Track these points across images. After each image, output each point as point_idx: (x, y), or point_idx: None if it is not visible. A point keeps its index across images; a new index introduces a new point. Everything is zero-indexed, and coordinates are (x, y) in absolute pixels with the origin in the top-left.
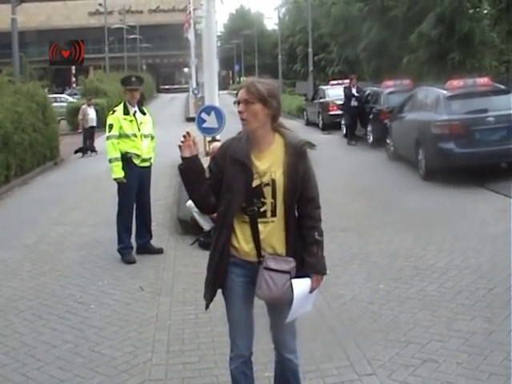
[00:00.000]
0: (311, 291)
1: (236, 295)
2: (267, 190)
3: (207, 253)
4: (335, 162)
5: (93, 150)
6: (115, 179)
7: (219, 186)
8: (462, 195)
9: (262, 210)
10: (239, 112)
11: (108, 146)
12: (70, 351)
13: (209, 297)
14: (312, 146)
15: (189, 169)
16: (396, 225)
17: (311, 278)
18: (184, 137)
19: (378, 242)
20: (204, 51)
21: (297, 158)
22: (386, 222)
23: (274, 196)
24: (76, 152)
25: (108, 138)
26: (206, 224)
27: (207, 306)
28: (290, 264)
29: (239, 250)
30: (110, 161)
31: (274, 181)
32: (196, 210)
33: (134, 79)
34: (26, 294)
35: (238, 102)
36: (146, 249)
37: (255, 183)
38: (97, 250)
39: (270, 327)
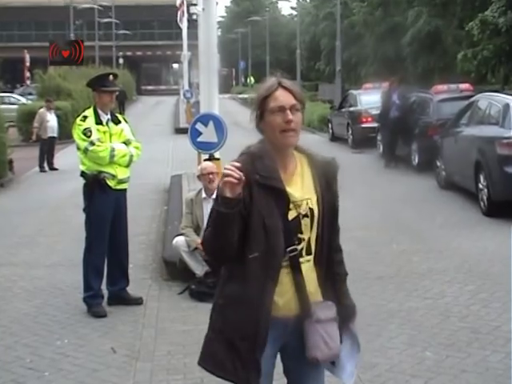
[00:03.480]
0: None
1: (262, 370)
2: (305, 223)
3: (199, 305)
4: (369, 190)
5: (52, 167)
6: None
7: (243, 225)
8: None
9: (298, 248)
10: (288, 121)
11: (84, 160)
12: None
13: (255, 378)
14: (338, 163)
15: (233, 213)
16: (448, 273)
17: (351, 323)
18: (231, 170)
19: (424, 296)
20: (200, 42)
21: (330, 181)
22: (435, 269)
23: (311, 229)
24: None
25: (86, 150)
26: (198, 268)
27: None
28: (332, 309)
29: (275, 303)
30: (86, 151)
31: (312, 211)
32: (186, 249)
33: (112, 78)
34: None
35: (283, 109)
36: (120, 298)
37: (291, 215)
38: (55, 298)
39: None
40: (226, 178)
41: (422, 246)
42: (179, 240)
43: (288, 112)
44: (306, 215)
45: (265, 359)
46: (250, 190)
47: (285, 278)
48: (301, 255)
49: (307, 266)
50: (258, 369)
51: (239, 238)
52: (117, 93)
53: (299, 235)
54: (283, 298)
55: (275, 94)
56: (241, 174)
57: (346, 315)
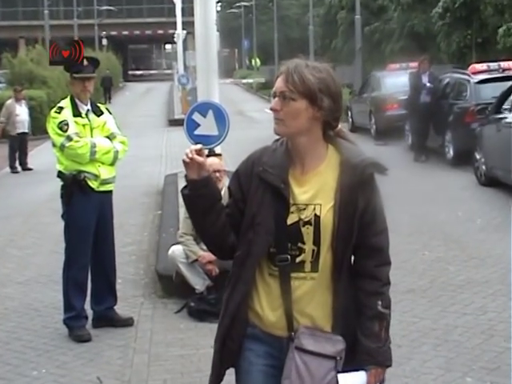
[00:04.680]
0: None
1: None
2: (307, 232)
3: (200, 325)
4: (396, 188)
5: (26, 167)
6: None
7: (240, 218)
8: None
9: (297, 259)
10: (272, 110)
11: (61, 158)
12: None
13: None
14: (382, 168)
15: (196, 196)
16: (491, 285)
17: (367, 372)
18: (189, 150)
19: (463, 312)
20: (196, 19)
21: (356, 185)
22: (475, 280)
23: (316, 241)
24: None
25: (62, 147)
26: (198, 282)
27: None
28: (336, 346)
29: (262, 317)
30: (62, 148)
31: (318, 218)
32: (183, 260)
33: (85, 62)
34: None
35: (274, 95)
36: (107, 319)
37: (291, 220)
38: (30, 321)
39: None
40: (184, 158)
41: (459, 253)
42: (176, 250)
43: (275, 99)
44: (308, 222)
45: (257, 369)
46: (250, 183)
47: (275, 289)
48: (302, 269)
49: (311, 284)
50: (218, 379)
51: (236, 234)
52: (93, 79)
53: (299, 244)
54: (275, 312)
55: (278, 79)
56: (198, 155)
57: (364, 359)
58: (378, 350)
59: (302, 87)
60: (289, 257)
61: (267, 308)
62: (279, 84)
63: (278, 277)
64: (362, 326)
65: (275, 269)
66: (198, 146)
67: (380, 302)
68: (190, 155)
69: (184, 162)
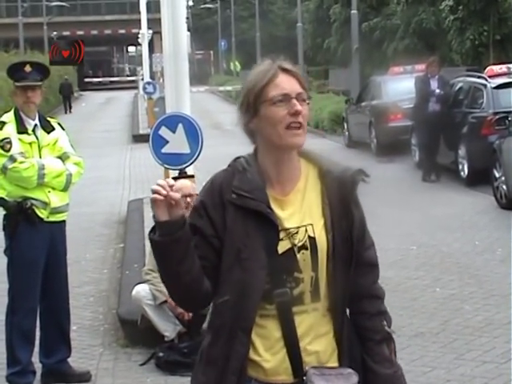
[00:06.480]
0: None
1: None
2: (304, 258)
3: (170, 380)
4: (401, 213)
5: None
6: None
7: (215, 258)
8: None
9: (295, 292)
10: (296, 113)
11: (3, 183)
12: None
13: None
14: (365, 175)
15: (170, 241)
16: None
17: None
18: (160, 186)
19: (482, 359)
20: (164, 16)
21: (348, 197)
22: (496, 320)
23: (315, 266)
24: None
25: (4, 169)
26: (168, 327)
27: None
28: (350, 380)
29: (262, 365)
30: (4, 170)
31: (313, 240)
32: (150, 302)
33: (28, 69)
34: None
35: (286, 99)
36: (59, 374)
37: (282, 247)
38: None
39: None
40: (153, 196)
41: (476, 289)
42: (141, 290)
43: (294, 101)
44: (303, 247)
45: None
46: (224, 214)
47: (273, 330)
48: (301, 301)
49: (314, 317)
50: None
51: (212, 277)
52: (38, 89)
53: (295, 274)
54: (274, 357)
55: (276, 81)
56: (174, 192)
57: None
58: (394, 375)
59: (306, 88)
60: (288, 290)
61: (266, 353)
62: (293, 85)
63: (275, 316)
64: (370, 353)
65: (270, 307)
66: (171, 182)
67: (385, 322)
68: (164, 192)
69: (154, 200)
